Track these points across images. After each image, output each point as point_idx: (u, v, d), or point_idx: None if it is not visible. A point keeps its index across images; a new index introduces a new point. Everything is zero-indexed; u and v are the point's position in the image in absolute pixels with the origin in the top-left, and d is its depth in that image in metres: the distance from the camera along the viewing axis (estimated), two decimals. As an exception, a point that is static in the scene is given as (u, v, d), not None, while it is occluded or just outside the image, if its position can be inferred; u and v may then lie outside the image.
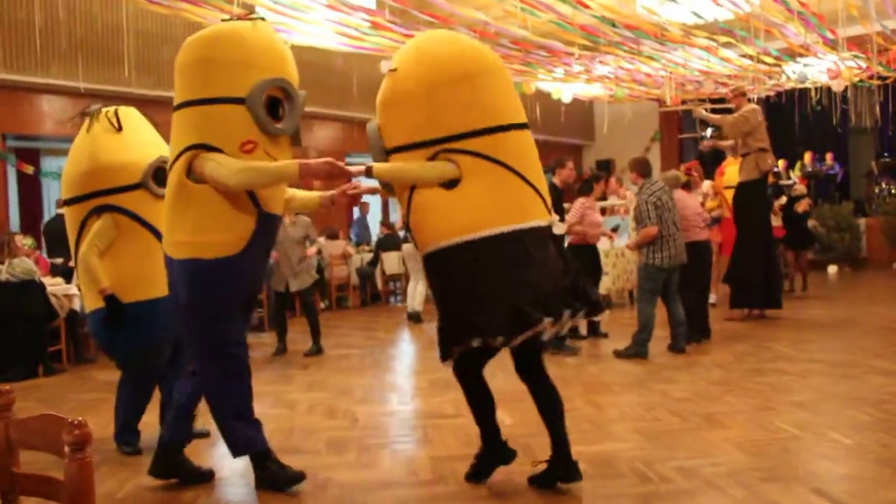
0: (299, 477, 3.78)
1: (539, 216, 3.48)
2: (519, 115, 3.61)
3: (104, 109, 4.53)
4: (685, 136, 17.78)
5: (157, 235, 4.18)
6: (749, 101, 9.18)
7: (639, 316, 6.84)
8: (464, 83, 3.46)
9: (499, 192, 3.42)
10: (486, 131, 3.44)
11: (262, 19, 3.81)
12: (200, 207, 3.60)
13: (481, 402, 3.74)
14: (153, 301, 4.37)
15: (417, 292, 9.99)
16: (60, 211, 9.94)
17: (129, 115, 4.58)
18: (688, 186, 8.08)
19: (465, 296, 3.38)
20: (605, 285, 9.32)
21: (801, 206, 11.20)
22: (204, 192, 3.59)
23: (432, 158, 3.48)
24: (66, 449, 1.52)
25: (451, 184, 3.45)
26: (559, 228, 3.60)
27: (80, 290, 4.74)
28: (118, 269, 4.35)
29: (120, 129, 4.45)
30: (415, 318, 9.95)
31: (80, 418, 1.55)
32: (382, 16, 9.08)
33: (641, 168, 6.97)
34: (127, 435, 4.61)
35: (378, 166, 3.55)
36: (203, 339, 3.71)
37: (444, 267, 3.48)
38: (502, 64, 3.76)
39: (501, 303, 3.30)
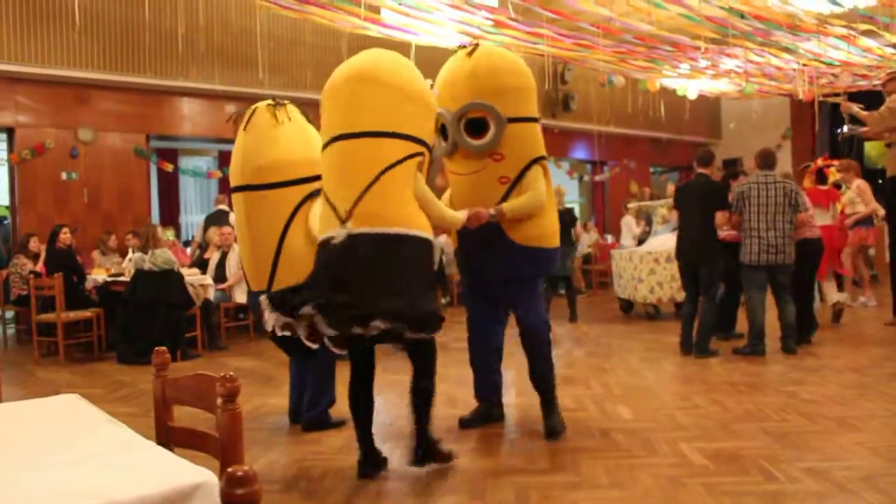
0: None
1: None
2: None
3: (286, 102, 4.68)
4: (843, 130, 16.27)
5: None
6: None
7: (747, 315, 6.74)
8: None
9: None
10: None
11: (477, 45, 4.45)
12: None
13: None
14: None
15: None
16: (221, 207, 10.41)
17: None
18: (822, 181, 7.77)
19: None
20: (656, 293, 9.07)
21: None
22: None
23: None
24: (219, 401, 1.65)
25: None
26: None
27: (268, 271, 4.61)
28: None
29: (310, 120, 4.70)
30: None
31: (231, 373, 1.68)
32: (506, 14, 9.13)
33: (759, 159, 6.77)
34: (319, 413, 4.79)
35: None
36: None
37: None
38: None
39: None
